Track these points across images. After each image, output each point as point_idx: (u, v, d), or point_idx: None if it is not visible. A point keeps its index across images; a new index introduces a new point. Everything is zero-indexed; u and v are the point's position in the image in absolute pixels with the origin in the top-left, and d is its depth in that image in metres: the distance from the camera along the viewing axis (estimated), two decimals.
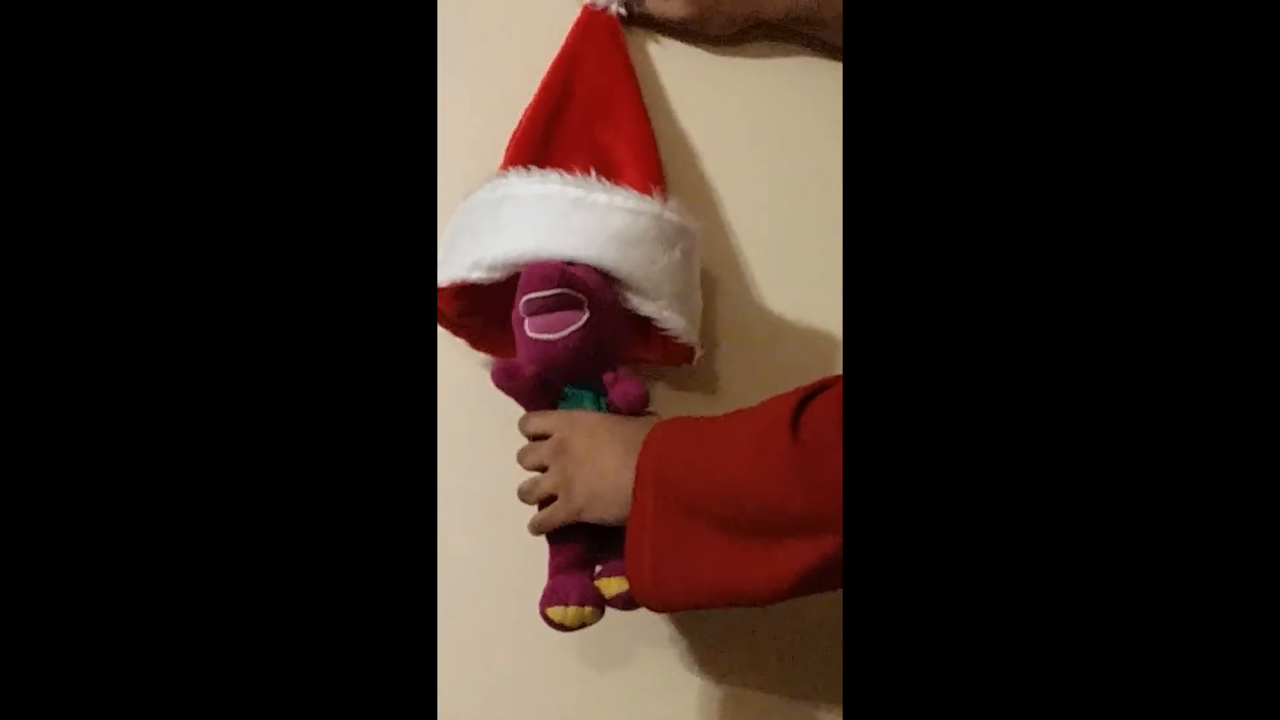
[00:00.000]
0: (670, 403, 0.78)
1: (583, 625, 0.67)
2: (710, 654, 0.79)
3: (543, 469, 0.68)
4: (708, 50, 0.83)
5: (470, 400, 0.77)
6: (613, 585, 0.66)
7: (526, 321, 0.68)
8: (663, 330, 0.71)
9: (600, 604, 0.67)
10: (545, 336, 0.67)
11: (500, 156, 0.76)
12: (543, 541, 0.70)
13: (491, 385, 0.69)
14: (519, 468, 0.69)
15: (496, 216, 0.70)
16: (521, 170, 0.71)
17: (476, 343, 0.78)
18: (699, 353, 0.74)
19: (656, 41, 0.83)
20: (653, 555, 0.61)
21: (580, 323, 0.67)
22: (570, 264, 0.68)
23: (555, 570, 0.69)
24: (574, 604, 0.66)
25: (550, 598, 0.67)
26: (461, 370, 0.78)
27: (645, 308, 0.70)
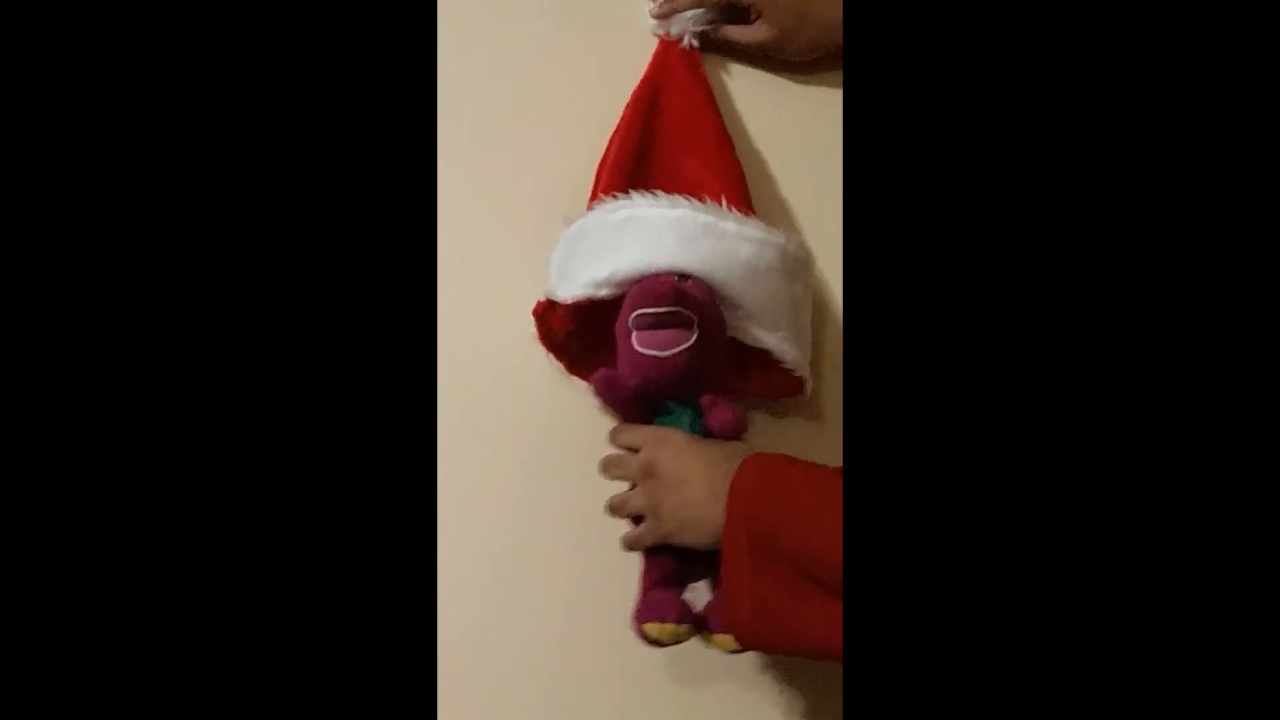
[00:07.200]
0: (770, 431, 0.78)
1: (677, 642, 0.67)
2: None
3: (628, 482, 0.69)
4: (782, 76, 0.84)
5: (472, 399, 0.78)
6: (730, 643, 0.66)
7: (635, 335, 0.68)
8: (780, 362, 0.72)
9: (696, 623, 0.67)
10: (654, 353, 0.67)
11: (577, 185, 0.77)
12: (540, 541, 0.76)
13: (490, 391, 0.71)
14: (522, 465, 0.70)
15: (620, 236, 0.70)
16: (647, 194, 0.71)
17: (574, 367, 0.77)
18: (809, 386, 0.75)
19: (727, 72, 0.84)
20: (751, 605, 0.61)
21: (690, 342, 0.67)
22: (683, 278, 0.68)
23: (649, 585, 0.69)
24: (672, 621, 0.66)
25: (648, 613, 0.67)
26: (463, 370, 0.78)
27: (765, 339, 0.71)
